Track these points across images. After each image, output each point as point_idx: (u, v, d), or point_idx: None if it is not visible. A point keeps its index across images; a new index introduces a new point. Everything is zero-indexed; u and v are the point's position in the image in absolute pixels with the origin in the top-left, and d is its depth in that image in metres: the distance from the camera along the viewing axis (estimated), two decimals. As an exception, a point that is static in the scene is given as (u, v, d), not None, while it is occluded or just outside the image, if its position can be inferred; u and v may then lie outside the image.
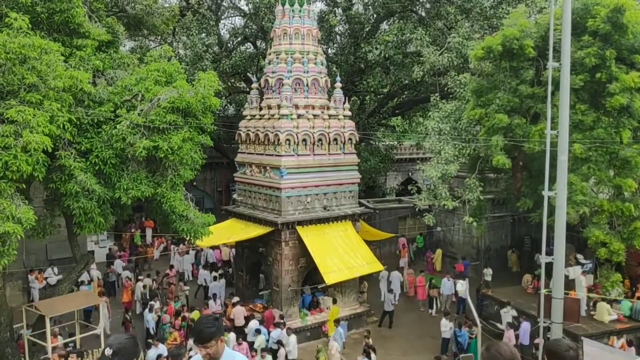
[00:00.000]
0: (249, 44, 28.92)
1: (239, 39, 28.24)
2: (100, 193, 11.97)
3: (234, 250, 23.20)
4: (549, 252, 13.03)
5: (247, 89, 25.13)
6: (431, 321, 19.65)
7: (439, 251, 26.12)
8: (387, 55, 23.56)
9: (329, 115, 19.27)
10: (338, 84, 19.90)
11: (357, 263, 18.07)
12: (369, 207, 24.22)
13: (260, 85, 20.19)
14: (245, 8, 28.14)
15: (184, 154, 12.72)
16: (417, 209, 20.08)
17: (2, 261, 10.49)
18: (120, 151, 12.24)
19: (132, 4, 19.20)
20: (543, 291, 13.56)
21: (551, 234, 13.27)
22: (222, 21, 29.26)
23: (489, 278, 21.42)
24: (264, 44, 26.81)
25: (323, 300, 19.13)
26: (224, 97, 27.49)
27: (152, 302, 18.21)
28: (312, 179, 18.61)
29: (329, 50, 27.74)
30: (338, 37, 27.99)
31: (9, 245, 10.35)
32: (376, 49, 23.21)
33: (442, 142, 18.06)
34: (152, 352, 14.27)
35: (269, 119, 18.89)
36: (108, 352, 3.47)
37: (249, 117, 20.09)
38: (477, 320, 14.79)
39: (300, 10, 19.00)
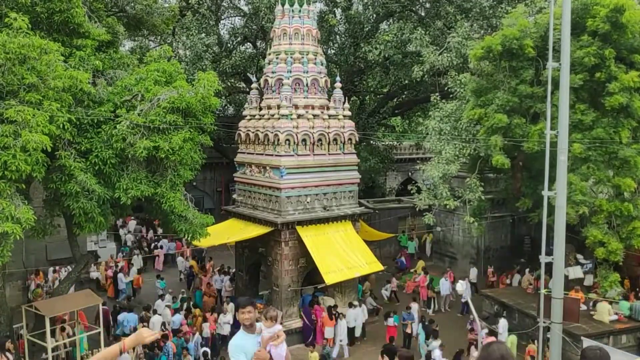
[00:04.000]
0: (248, 44, 28.90)
1: (239, 39, 28.20)
2: (100, 193, 11.98)
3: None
4: (549, 252, 13.03)
5: (247, 89, 25.08)
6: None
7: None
8: (386, 55, 23.53)
9: (329, 115, 19.25)
10: (338, 84, 19.87)
11: (357, 263, 18.07)
12: (369, 207, 24.20)
13: (260, 85, 20.18)
14: (245, 8, 28.13)
15: (185, 154, 12.72)
16: (417, 209, 20.07)
17: (-3, 262, 10.50)
18: (120, 151, 12.25)
19: (132, 4, 19.17)
20: (543, 291, 13.55)
21: (551, 234, 13.27)
22: (222, 21, 29.24)
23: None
24: (263, 44, 26.78)
25: (323, 300, 19.12)
26: (223, 97, 27.44)
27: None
28: (312, 179, 18.59)
29: (329, 50, 27.69)
30: (338, 37, 27.95)
31: (4, 247, 10.32)
32: (376, 49, 23.18)
33: (442, 142, 18.06)
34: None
35: (268, 119, 18.88)
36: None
37: (248, 117, 20.08)
38: (477, 320, 14.78)
39: (300, 11, 18.99)
